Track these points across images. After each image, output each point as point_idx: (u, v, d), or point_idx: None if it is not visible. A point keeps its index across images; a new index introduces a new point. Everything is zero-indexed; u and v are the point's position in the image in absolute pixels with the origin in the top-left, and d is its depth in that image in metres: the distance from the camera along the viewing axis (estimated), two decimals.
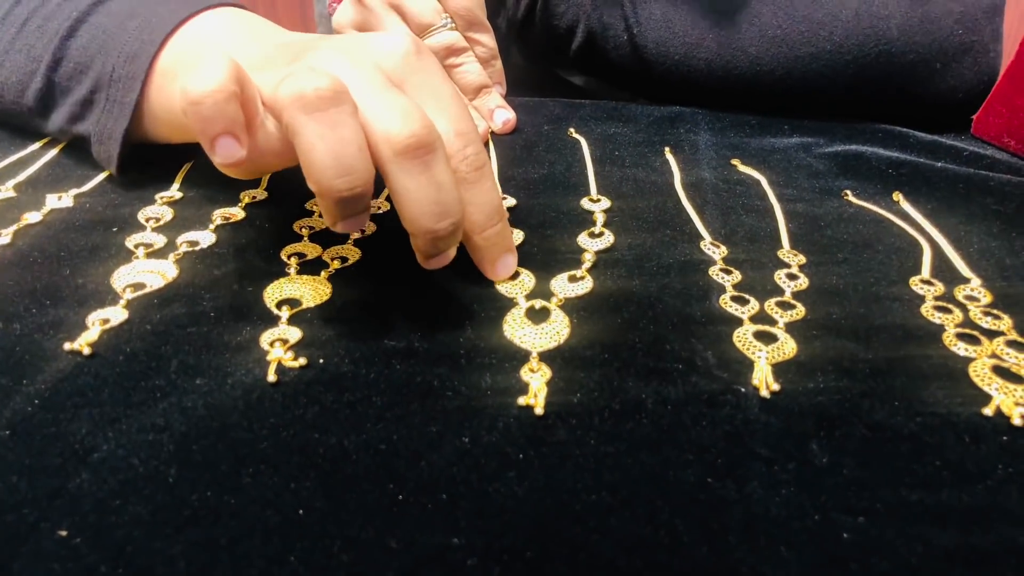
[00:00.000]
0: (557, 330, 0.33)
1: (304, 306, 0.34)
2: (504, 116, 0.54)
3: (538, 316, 0.34)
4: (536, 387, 0.30)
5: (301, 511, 0.25)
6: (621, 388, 0.30)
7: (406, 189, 0.30)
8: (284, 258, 0.38)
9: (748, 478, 0.26)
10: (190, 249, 0.39)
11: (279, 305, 0.34)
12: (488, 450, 0.27)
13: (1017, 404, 0.29)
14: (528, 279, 0.37)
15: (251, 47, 0.36)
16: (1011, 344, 0.33)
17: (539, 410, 0.29)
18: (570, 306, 0.35)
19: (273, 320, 0.34)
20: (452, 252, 0.34)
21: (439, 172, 0.31)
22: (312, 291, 0.35)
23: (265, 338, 0.32)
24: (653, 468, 0.27)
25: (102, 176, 0.46)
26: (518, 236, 0.41)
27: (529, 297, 0.36)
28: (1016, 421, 0.29)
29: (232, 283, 0.36)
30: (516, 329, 0.33)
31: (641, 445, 0.28)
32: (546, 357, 0.32)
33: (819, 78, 0.53)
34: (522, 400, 0.29)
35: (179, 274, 0.37)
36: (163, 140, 0.44)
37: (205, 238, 0.40)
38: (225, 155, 0.29)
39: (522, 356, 0.32)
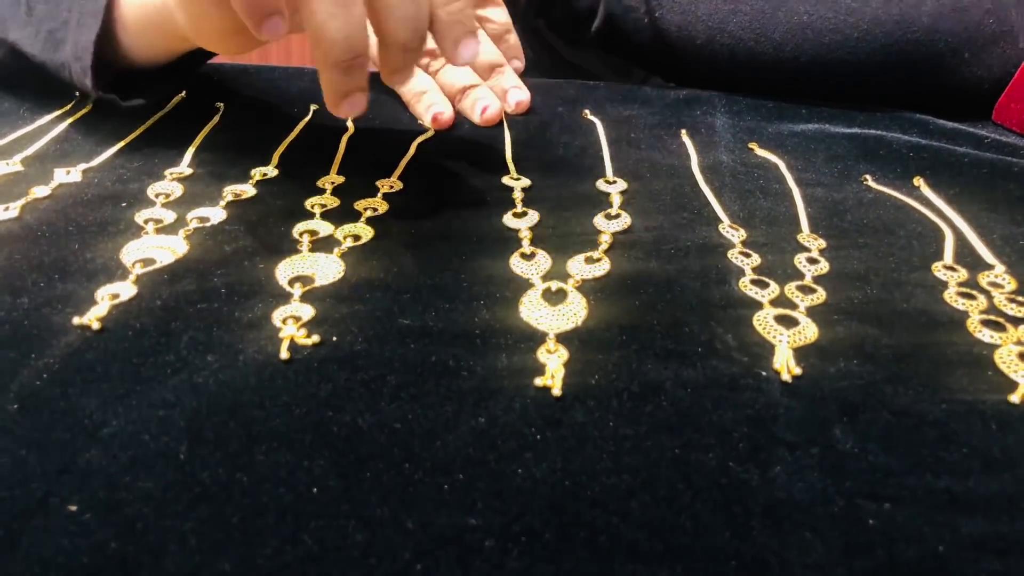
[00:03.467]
0: (574, 312, 0.33)
1: (317, 284, 0.34)
2: (518, 96, 0.53)
3: (555, 298, 0.34)
4: (554, 368, 0.29)
5: (315, 489, 0.24)
6: (640, 370, 0.30)
7: (390, 6, 0.34)
8: (296, 235, 0.38)
9: (771, 463, 0.26)
10: (200, 225, 0.38)
11: (292, 282, 0.34)
12: (505, 431, 0.27)
13: None
14: (544, 260, 0.36)
15: None
16: None
17: (557, 391, 0.28)
18: (587, 288, 0.34)
19: (285, 297, 0.33)
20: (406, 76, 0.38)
21: None
22: (325, 269, 0.35)
23: (278, 315, 0.32)
24: (674, 451, 0.26)
25: (111, 151, 0.45)
26: (534, 217, 0.40)
27: (545, 278, 0.35)
28: None
29: (243, 260, 0.36)
30: (533, 311, 0.33)
31: (661, 428, 0.27)
32: (563, 339, 0.31)
33: (844, 65, 0.52)
34: (539, 381, 0.29)
35: (189, 250, 0.36)
36: (142, 57, 0.44)
37: (215, 214, 0.39)
38: (272, 33, 0.33)
39: (539, 337, 0.31)
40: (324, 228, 0.38)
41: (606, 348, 0.31)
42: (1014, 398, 0.29)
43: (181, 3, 0.36)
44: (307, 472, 0.25)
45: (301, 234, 0.38)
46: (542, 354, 0.30)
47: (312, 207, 0.40)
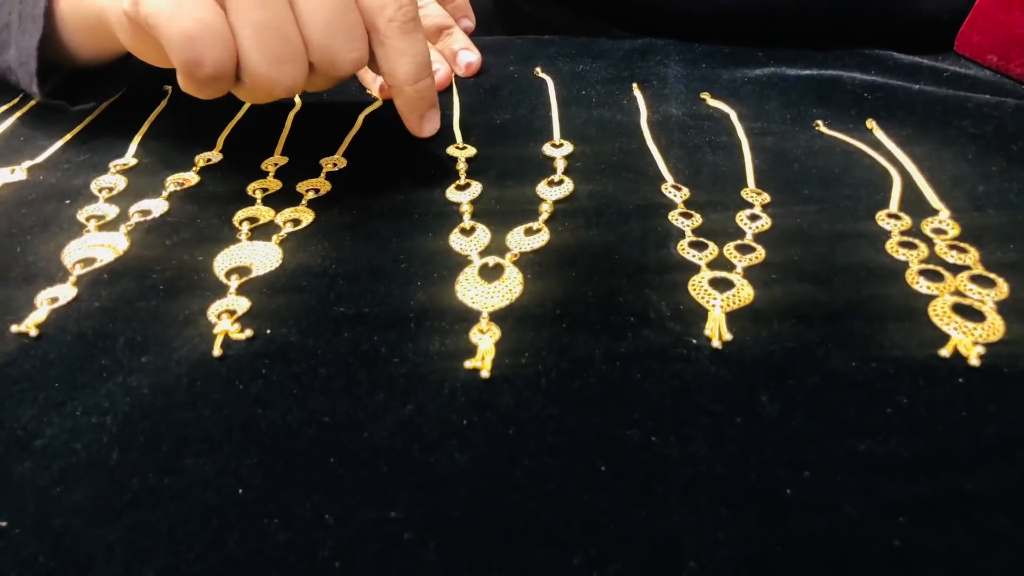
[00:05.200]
0: (509, 288, 0.33)
1: (254, 274, 0.34)
2: (468, 58, 0.52)
3: (491, 274, 0.34)
4: (485, 349, 0.29)
5: (241, 490, 0.25)
6: (570, 346, 0.30)
7: (402, 52, 0.37)
8: (236, 223, 0.37)
9: (693, 436, 0.26)
10: (142, 219, 0.38)
11: (228, 274, 0.34)
12: (432, 418, 0.27)
13: (976, 343, 0.29)
14: (484, 234, 0.36)
15: None
16: (975, 279, 0.32)
17: (485, 373, 0.28)
18: (524, 261, 0.34)
19: (222, 290, 0.33)
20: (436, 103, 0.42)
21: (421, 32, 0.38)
22: (263, 257, 0.35)
23: (212, 310, 0.32)
24: (597, 429, 0.26)
25: (57, 145, 0.45)
26: (476, 188, 0.40)
27: (484, 253, 0.35)
28: (973, 361, 0.28)
29: (183, 253, 0.36)
30: (468, 289, 0.33)
31: (587, 405, 0.27)
32: (497, 317, 0.31)
33: (801, 5, 0.50)
34: (469, 364, 0.29)
35: (130, 246, 0.36)
36: (85, 56, 0.43)
37: (157, 207, 0.39)
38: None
39: (473, 317, 0.31)
40: (265, 214, 0.38)
41: (538, 325, 0.31)
42: (944, 352, 0.29)
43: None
44: (234, 473, 0.25)
45: (241, 222, 0.38)
46: (474, 335, 0.30)
47: (254, 192, 0.40)
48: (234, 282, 0.33)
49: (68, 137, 0.46)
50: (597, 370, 0.29)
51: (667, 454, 0.25)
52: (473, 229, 0.36)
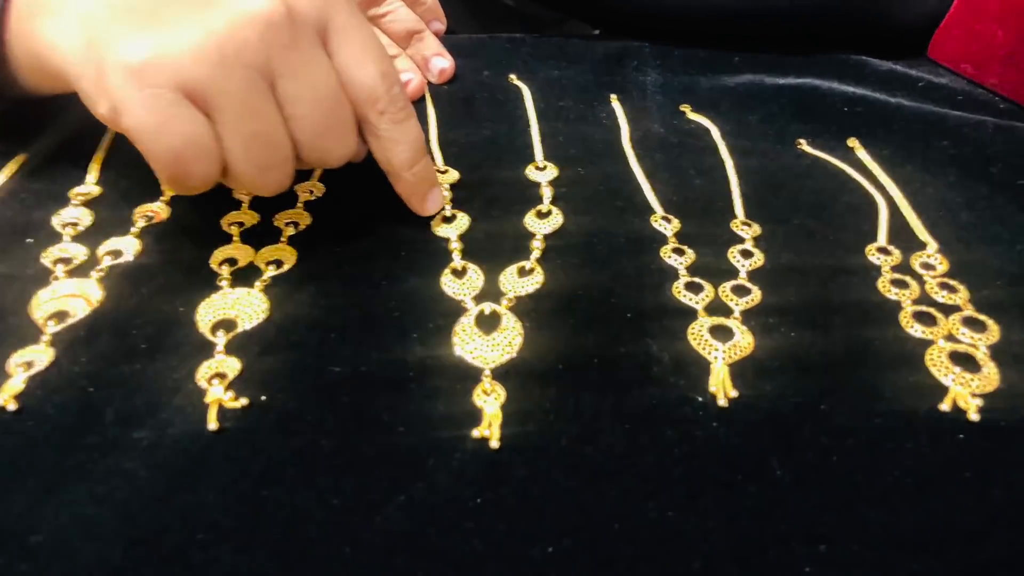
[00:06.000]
0: (509, 339, 0.32)
1: (240, 329, 0.33)
2: (441, 64, 0.50)
3: (488, 323, 0.33)
4: (491, 414, 0.29)
5: None
6: (577, 407, 0.29)
7: (396, 141, 0.35)
8: (215, 266, 0.36)
9: (708, 509, 0.26)
10: (114, 262, 0.36)
11: (214, 329, 0.33)
12: (444, 497, 0.26)
13: (973, 395, 0.29)
14: (476, 275, 0.35)
15: None
16: (966, 322, 0.33)
17: (495, 443, 0.28)
18: (521, 308, 0.34)
19: (209, 348, 0.32)
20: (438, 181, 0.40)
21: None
22: (248, 309, 0.34)
23: (202, 373, 0.31)
24: (614, 504, 0.26)
25: (6, 174, 0.42)
26: (464, 221, 0.39)
27: (478, 298, 0.34)
28: (973, 416, 0.29)
29: (162, 303, 0.34)
30: (467, 342, 0.32)
31: (600, 476, 0.27)
32: (499, 375, 0.31)
33: (777, 10, 0.50)
34: (476, 433, 0.28)
35: (104, 296, 0.34)
36: (36, 89, 0.40)
37: (128, 246, 0.37)
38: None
39: (474, 375, 0.31)
40: (244, 255, 0.37)
41: (543, 383, 0.30)
42: (944, 407, 0.29)
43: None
44: (246, 568, 0.25)
45: (220, 264, 0.36)
46: (478, 396, 0.30)
47: (229, 227, 0.38)
48: (221, 338, 0.32)
49: (20, 163, 0.43)
50: (606, 435, 0.28)
51: (685, 530, 0.26)
52: (465, 270, 0.36)
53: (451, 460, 0.28)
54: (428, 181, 0.38)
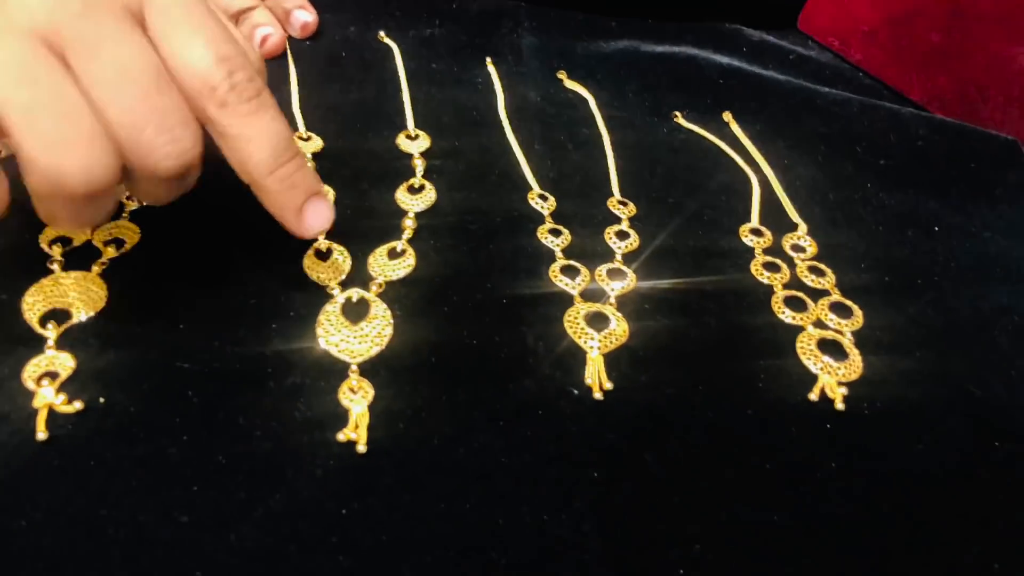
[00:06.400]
0: (378, 330, 0.30)
1: (75, 320, 0.29)
2: (303, 18, 0.46)
3: (356, 311, 0.31)
4: (358, 414, 0.27)
5: None
6: (450, 405, 0.28)
7: (247, 139, 0.28)
8: (45, 246, 0.32)
9: (583, 513, 0.25)
10: None
11: (43, 320, 0.29)
12: (307, 509, 0.25)
13: (840, 383, 0.30)
14: (342, 258, 0.33)
15: None
16: (834, 307, 0.33)
17: (362, 447, 0.26)
18: (392, 293, 0.32)
19: (38, 343, 0.28)
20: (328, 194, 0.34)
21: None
22: (83, 295, 0.30)
23: (29, 372, 0.27)
24: (487, 509, 0.25)
25: None
26: (328, 194, 0.36)
27: (345, 283, 0.32)
28: (839, 406, 0.29)
29: None
30: (332, 333, 0.30)
31: (473, 479, 0.26)
32: (367, 370, 0.29)
33: None
34: (342, 436, 0.26)
35: None
36: None
37: None
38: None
39: (340, 370, 0.29)
40: (79, 233, 0.33)
41: (414, 379, 0.29)
42: (812, 396, 0.30)
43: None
44: None
45: (51, 244, 0.32)
46: (344, 394, 0.28)
47: None
48: (51, 331, 0.29)
49: None
50: (478, 436, 0.27)
51: (560, 534, 0.25)
52: (329, 251, 0.33)
53: (314, 467, 0.26)
54: (302, 189, 0.30)
